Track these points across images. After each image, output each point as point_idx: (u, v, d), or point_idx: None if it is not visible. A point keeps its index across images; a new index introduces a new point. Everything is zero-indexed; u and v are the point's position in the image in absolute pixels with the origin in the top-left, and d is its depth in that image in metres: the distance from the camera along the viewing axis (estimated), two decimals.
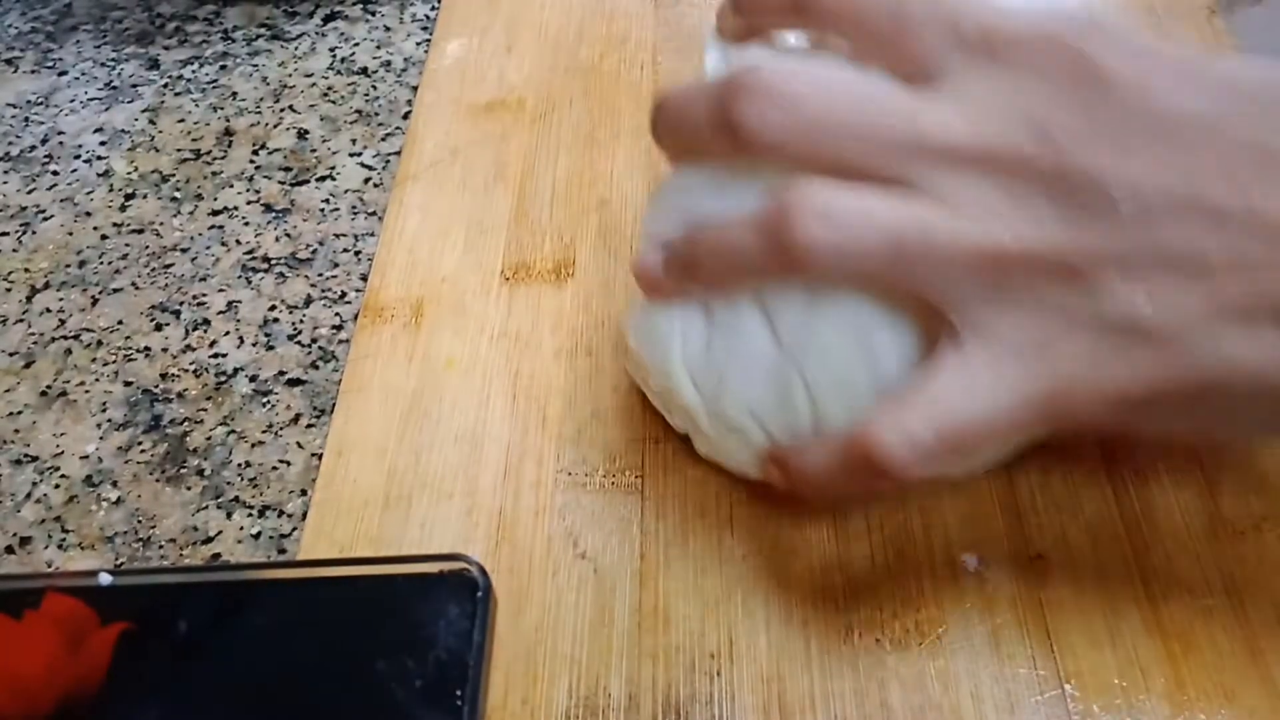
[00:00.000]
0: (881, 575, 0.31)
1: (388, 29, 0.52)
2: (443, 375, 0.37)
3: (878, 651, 0.29)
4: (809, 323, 0.28)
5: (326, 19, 0.53)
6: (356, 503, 0.34)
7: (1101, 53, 0.26)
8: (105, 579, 0.30)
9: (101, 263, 0.43)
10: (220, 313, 0.40)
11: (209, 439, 0.37)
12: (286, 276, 0.42)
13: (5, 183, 0.46)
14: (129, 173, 0.46)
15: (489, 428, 0.35)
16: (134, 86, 0.50)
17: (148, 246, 0.43)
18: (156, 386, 0.38)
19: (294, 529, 0.34)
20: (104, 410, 0.38)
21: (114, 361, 0.39)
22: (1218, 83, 0.26)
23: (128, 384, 0.39)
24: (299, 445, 0.36)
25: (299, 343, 0.39)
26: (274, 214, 0.44)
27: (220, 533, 0.34)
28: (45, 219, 0.45)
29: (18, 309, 0.42)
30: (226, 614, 0.30)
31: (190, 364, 0.39)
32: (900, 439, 0.26)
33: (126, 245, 0.43)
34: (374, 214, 0.43)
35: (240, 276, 0.42)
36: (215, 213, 0.44)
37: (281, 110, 0.48)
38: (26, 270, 0.43)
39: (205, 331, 0.40)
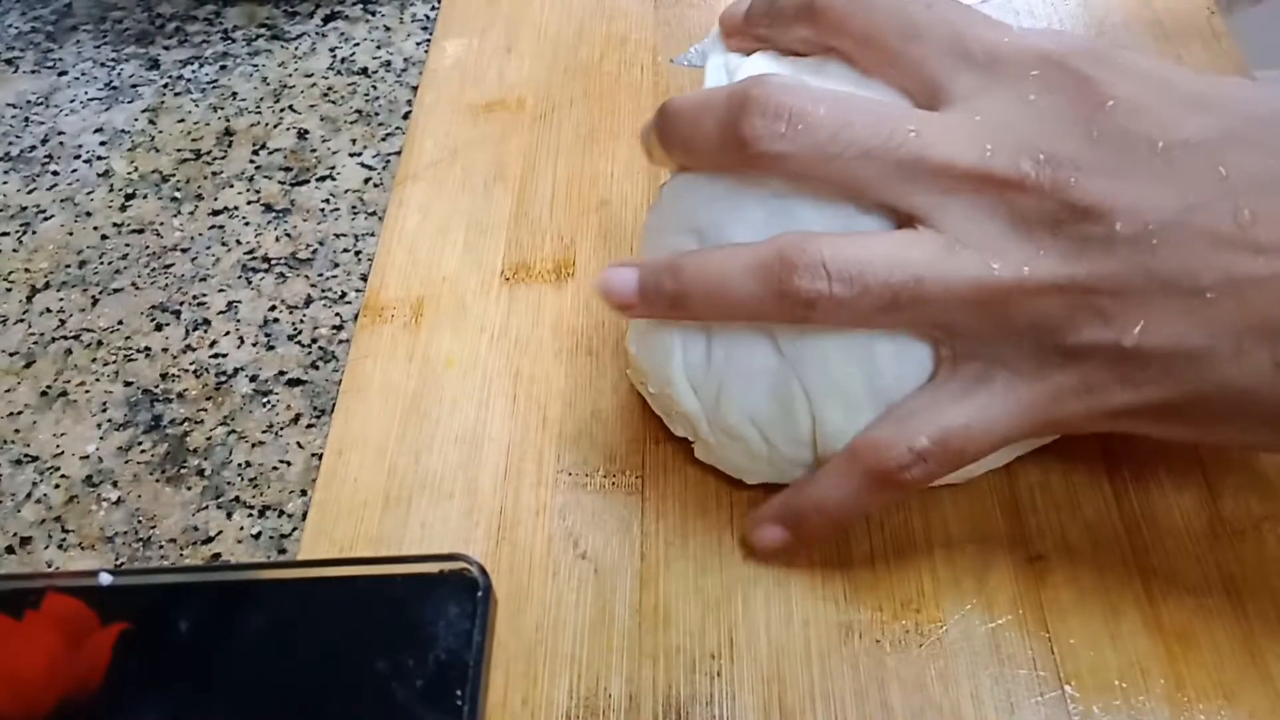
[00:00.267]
0: (881, 575, 0.31)
1: (388, 29, 0.52)
2: (443, 375, 0.37)
3: (878, 652, 0.29)
4: (809, 332, 0.29)
5: (326, 19, 0.53)
6: (356, 503, 0.34)
7: (1105, 75, 0.26)
8: (105, 579, 0.30)
9: (102, 263, 0.43)
10: (220, 313, 0.40)
11: (209, 439, 0.37)
12: (286, 276, 0.42)
13: (5, 183, 0.46)
14: (129, 173, 0.46)
15: (489, 428, 0.35)
16: (134, 86, 0.50)
17: (148, 246, 0.43)
18: (157, 386, 0.38)
19: (294, 529, 0.34)
20: (104, 410, 0.38)
21: (114, 361, 0.39)
22: (1219, 105, 0.26)
23: (128, 384, 0.39)
24: (299, 445, 0.36)
25: (299, 343, 0.39)
26: (274, 214, 0.44)
27: (220, 533, 0.34)
28: (45, 219, 0.45)
29: (18, 309, 0.42)
30: (226, 614, 0.30)
31: (190, 364, 0.39)
32: (905, 449, 0.27)
33: (127, 245, 0.43)
34: (374, 214, 0.43)
35: (240, 276, 0.42)
36: (215, 213, 0.44)
37: (281, 110, 0.48)
38: (27, 270, 0.43)
39: (205, 331, 0.40)
